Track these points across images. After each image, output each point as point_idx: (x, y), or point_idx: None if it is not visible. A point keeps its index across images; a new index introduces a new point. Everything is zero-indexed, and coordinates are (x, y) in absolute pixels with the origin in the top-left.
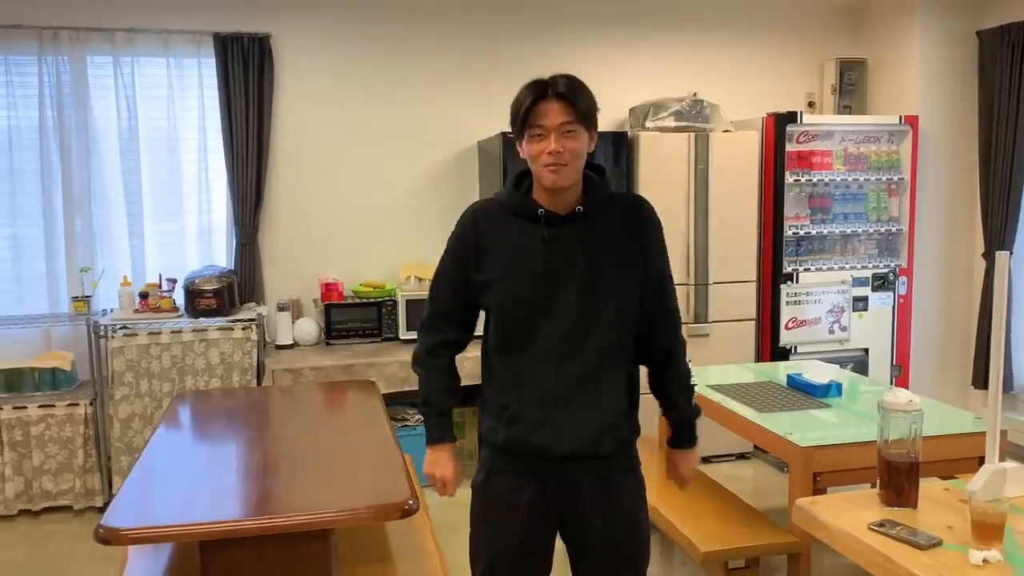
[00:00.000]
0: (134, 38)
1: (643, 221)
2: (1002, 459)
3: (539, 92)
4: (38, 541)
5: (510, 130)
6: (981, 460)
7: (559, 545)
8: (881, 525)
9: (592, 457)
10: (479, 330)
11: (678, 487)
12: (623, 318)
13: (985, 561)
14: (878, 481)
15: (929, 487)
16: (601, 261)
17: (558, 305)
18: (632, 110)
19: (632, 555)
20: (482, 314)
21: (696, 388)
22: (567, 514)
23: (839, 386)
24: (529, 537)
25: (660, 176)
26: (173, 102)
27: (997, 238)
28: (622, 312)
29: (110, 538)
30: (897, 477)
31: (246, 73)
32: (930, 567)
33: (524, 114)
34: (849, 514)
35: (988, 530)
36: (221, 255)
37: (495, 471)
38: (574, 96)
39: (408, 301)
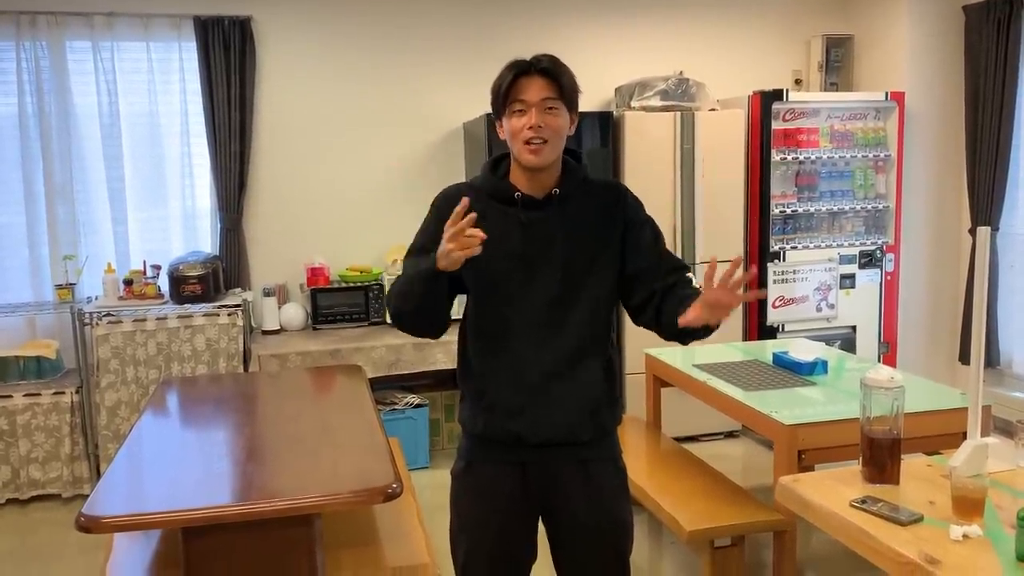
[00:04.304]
0: (113, 22)
1: (622, 205)
2: (986, 434)
3: (522, 68)
4: (26, 530)
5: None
6: (966, 436)
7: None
8: (863, 502)
9: (570, 443)
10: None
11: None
12: (599, 304)
13: (965, 536)
14: (860, 458)
15: (912, 463)
16: (579, 247)
17: (535, 290)
18: (617, 89)
19: (613, 542)
20: (460, 301)
21: (688, 369)
22: (548, 500)
23: (825, 364)
24: (510, 524)
25: (646, 156)
26: (154, 87)
27: (983, 214)
28: (598, 299)
29: (91, 526)
30: (879, 454)
31: (227, 57)
32: (910, 543)
33: (506, 89)
34: (831, 491)
35: (969, 505)
36: (206, 241)
37: (475, 460)
38: (558, 73)
39: None
